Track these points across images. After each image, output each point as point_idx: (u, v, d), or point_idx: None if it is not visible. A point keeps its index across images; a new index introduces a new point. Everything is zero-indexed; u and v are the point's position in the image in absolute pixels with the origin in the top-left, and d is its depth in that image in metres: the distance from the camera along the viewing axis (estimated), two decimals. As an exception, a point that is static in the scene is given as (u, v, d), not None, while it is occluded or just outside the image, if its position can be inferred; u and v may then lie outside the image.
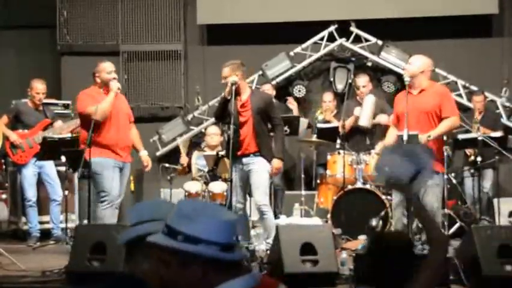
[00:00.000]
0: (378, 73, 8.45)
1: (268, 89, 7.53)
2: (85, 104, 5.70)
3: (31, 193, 6.83)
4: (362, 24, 8.37)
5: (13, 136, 6.79)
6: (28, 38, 9.08)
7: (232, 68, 5.65)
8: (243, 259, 1.83)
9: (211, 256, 1.72)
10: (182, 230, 1.72)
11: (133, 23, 8.79)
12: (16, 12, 9.04)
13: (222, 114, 5.74)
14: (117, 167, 5.70)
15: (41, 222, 6.97)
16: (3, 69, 9.06)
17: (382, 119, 6.97)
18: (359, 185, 6.62)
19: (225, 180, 6.76)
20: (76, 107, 5.82)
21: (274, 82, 8.23)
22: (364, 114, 6.59)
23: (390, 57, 8.21)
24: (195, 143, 8.37)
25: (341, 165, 6.68)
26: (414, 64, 5.54)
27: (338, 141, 7.00)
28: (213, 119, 8.03)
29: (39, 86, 6.90)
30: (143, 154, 5.96)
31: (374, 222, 6.27)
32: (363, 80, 7.31)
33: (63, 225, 6.79)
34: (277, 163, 5.72)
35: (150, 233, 1.86)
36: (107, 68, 5.78)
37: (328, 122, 7.43)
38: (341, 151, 6.82)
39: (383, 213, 6.32)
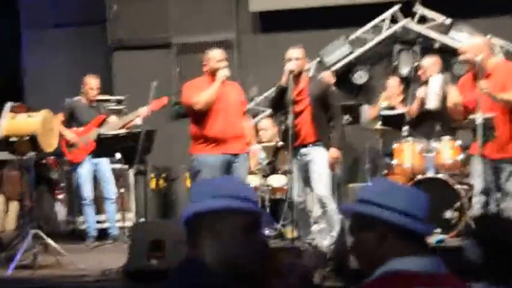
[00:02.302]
0: (447, 55, 8.29)
1: (328, 77, 7.58)
2: (189, 93, 5.66)
3: (87, 191, 6.98)
4: (428, 1, 8.21)
5: (69, 134, 6.97)
6: (78, 35, 9.35)
7: (301, 52, 5.69)
8: (428, 235, 1.98)
9: (391, 221, 1.91)
10: (369, 198, 1.97)
11: (184, 14, 8.92)
12: (65, 10, 9.32)
13: (279, 104, 5.80)
14: (223, 163, 5.58)
15: (98, 222, 7.18)
16: (55, 67, 9.33)
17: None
18: (430, 174, 6.47)
19: (284, 172, 6.84)
20: (181, 99, 5.84)
21: (333, 69, 8.24)
22: (431, 95, 6.41)
23: (461, 37, 7.95)
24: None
25: (409, 154, 6.58)
26: (467, 53, 5.36)
27: (405, 128, 6.96)
28: (269, 110, 8.11)
29: (92, 82, 7.07)
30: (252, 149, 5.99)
31: (448, 214, 6.17)
32: (429, 61, 7.10)
33: (120, 224, 6.99)
34: (334, 152, 5.69)
35: (219, 208, 1.93)
36: (216, 56, 5.72)
37: (393, 108, 7.35)
38: (409, 139, 6.72)
39: (457, 204, 6.17)
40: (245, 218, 1.93)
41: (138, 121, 6.76)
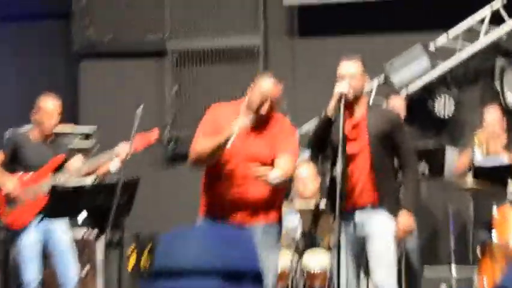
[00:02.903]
0: None
1: (399, 105, 7.55)
2: (199, 130, 5.69)
3: (33, 272, 6.85)
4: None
5: (8, 184, 6.89)
6: (30, 33, 9.35)
7: (359, 66, 5.67)
8: None
9: None
10: None
11: (187, 9, 9.00)
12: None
13: (322, 144, 5.77)
14: None
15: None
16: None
17: None
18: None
19: (328, 248, 6.74)
20: None
21: (404, 93, 8.28)
22: None
23: None
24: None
25: (517, 225, 6.69)
26: None
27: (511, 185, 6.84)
28: (307, 153, 8.00)
29: (50, 106, 7.02)
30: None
31: None
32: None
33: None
34: (405, 220, 5.64)
35: None
36: (261, 90, 5.50)
37: (493, 155, 7.35)
38: (516, 202, 6.83)
39: None
40: None
41: (113, 166, 6.72)
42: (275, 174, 5.44)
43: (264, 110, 5.50)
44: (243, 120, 5.45)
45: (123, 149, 6.54)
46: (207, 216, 5.60)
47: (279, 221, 5.75)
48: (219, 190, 5.57)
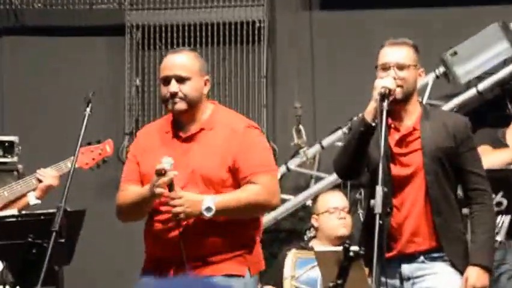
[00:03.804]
0: None
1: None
2: (125, 166, 5.97)
3: None
4: None
5: None
6: None
7: (410, 53, 5.77)
8: None
9: None
10: None
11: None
12: None
13: (356, 163, 5.80)
14: None
15: None
16: None
17: None
18: None
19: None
20: None
21: (473, 91, 8.68)
22: None
23: None
24: (291, 232, 8.50)
25: None
26: None
27: None
28: (332, 176, 8.07)
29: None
30: None
31: None
32: None
33: None
34: (475, 276, 5.71)
35: None
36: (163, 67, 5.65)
37: None
38: None
39: None
40: None
41: (33, 198, 6.86)
42: (208, 202, 5.46)
43: (177, 109, 5.54)
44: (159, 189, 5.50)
45: (48, 174, 6.75)
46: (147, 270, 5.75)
47: (253, 272, 5.76)
48: (150, 244, 5.77)
